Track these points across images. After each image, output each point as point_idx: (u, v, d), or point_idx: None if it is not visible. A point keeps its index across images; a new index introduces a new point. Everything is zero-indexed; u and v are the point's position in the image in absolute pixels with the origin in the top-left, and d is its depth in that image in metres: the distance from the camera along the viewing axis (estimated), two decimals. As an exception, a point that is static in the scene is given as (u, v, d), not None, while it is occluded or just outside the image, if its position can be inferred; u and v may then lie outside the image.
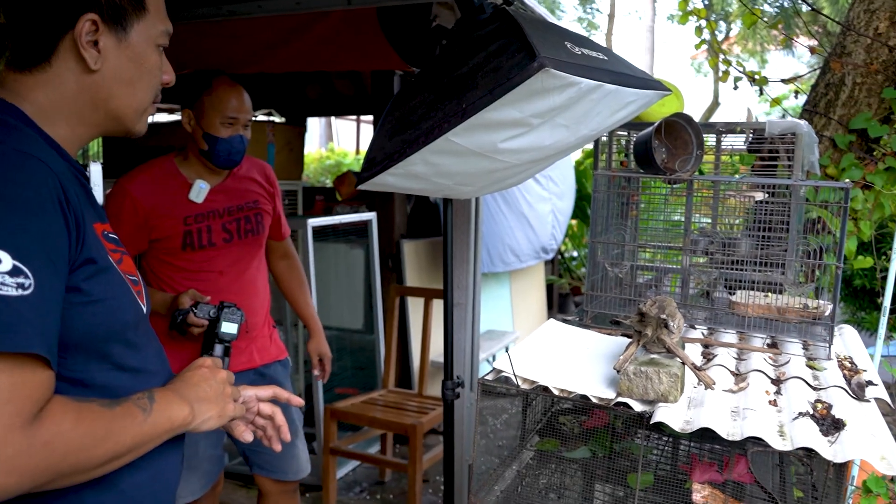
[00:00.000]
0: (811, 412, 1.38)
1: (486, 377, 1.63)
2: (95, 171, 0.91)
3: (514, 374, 1.55)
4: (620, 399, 1.49)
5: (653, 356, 1.53)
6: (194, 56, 3.28)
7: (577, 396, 1.52)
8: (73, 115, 1.00)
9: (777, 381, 1.58)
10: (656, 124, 2.12)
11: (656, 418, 1.40)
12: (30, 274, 0.80)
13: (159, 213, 2.09)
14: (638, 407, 1.47)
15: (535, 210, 4.79)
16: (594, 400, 1.50)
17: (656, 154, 2.09)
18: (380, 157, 1.64)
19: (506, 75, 1.44)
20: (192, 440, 2.13)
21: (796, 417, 1.36)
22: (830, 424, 1.34)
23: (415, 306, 4.23)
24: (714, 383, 1.48)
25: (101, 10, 0.97)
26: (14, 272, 0.79)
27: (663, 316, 1.48)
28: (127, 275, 1.04)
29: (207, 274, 2.15)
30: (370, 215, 3.98)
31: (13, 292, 0.78)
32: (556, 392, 1.54)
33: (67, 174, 0.94)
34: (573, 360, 1.70)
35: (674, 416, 1.41)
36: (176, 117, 5.72)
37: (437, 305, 3.66)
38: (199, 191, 2.14)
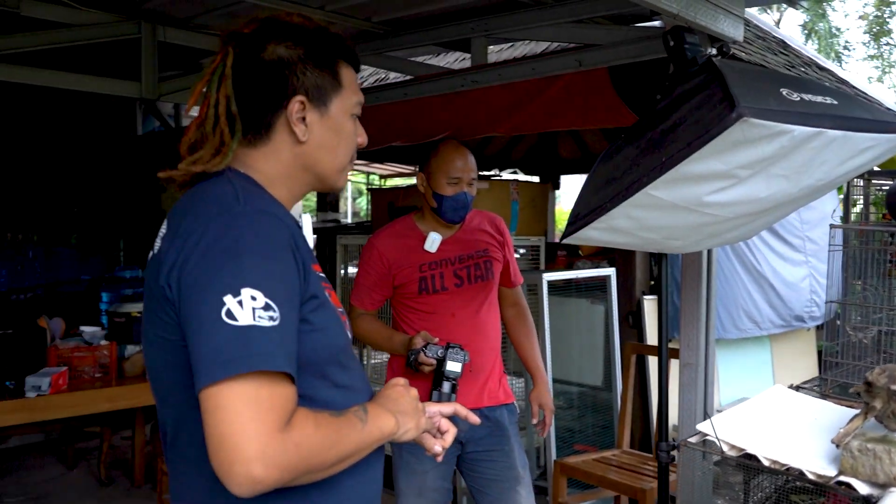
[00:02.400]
0: None
1: (689, 439, 1.56)
2: (307, 221, 1.06)
3: (717, 439, 1.46)
4: (842, 478, 1.33)
5: (887, 433, 1.35)
6: (443, 122, 3.60)
7: (791, 470, 1.39)
8: (289, 178, 1.19)
9: None
10: (911, 171, 1.88)
11: (883, 504, 1.23)
12: (276, 308, 0.96)
13: (400, 262, 2.34)
14: (863, 489, 1.30)
15: (780, 274, 4.35)
16: (810, 476, 1.36)
17: (913, 204, 1.85)
18: (584, 211, 1.68)
19: (705, 127, 1.41)
20: (421, 469, 2.28)
21: None
22: None
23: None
24: (961, 470, 1.26)
25: (307, 92, 1.15)
26: (266, 307, 0.95)
27: (894, 387, 1.30)
28: (336, 307, 1.19)
29: (441, 316, 2.34)
30: (609, 271, 3.95)
31: (267, 323, 0.95)
32: (765, 462, 1.42)
33: (294, 227, 1.14)
34: (794, 430, 1.55)
35: (907, 503, 1.23)
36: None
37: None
38: (433, 242, 2.35)
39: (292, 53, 1.15)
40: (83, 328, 3.44)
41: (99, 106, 5.64)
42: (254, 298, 0.95)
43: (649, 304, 4.14)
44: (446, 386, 2.13)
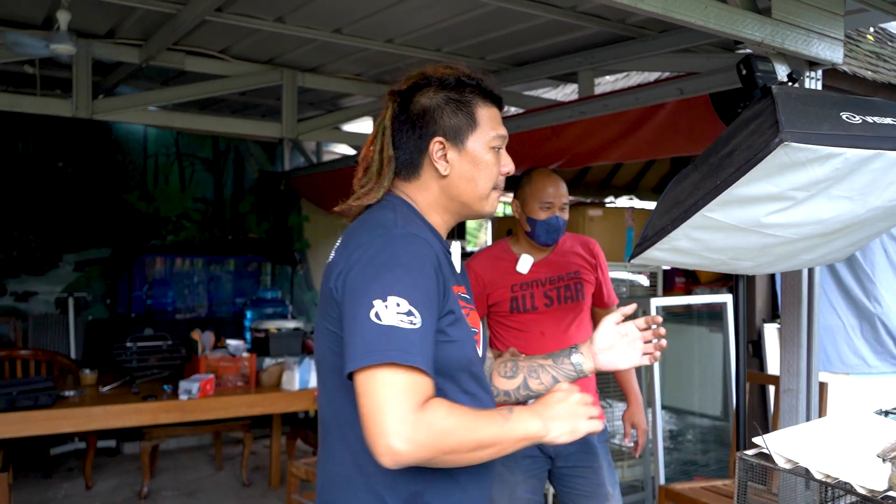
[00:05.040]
0: None
1: (745, 452, 1.61)
2: (455, 247, 1.27)
3: (769, 450, 1.51)
4: (891, 493, 1.35)
5: (940, 451, 1.36)
6: (557, 152, 3.74)
7: (840, 483, 1.42)
8: (440, 207, 1.38)
9: None
10: None
11: (925, 518, 1.25)
12: (417, 315, 1.14)
13: (494, 282, 2.50)
14: (910, 504, 1.31)
15: (891, 309, 4.08)
16: (859, 490, 1.39)
17: None
18: (650, 233, 1.78)
19: (754, 152, 1.49)
20: (512, 479, 2.41)
21: None
22: None
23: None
24: None
25: (445, 133, 1.33)
26: (409, 313, 1.14)
27: (941, 403, 1.31)
28: (471, 327, 1.35)
29: (531, 334, 2.47)
30: (725, 297, 3.89)
31: (408, 326, 1.13)
32: (817, 476, 1.46)
33: (440, 250, 1.32)
34: (856, 448, 1.56)
35: (952, 519, 1.24)
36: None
37: (794, 396, 3.38)
38: (524, 263, 2.49)
39: (432, 101, 1.34)
40: (228, 341, 3.88)
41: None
42: (398, 305, 1.14)
43: (770, 331, 4.02)
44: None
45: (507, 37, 3.37)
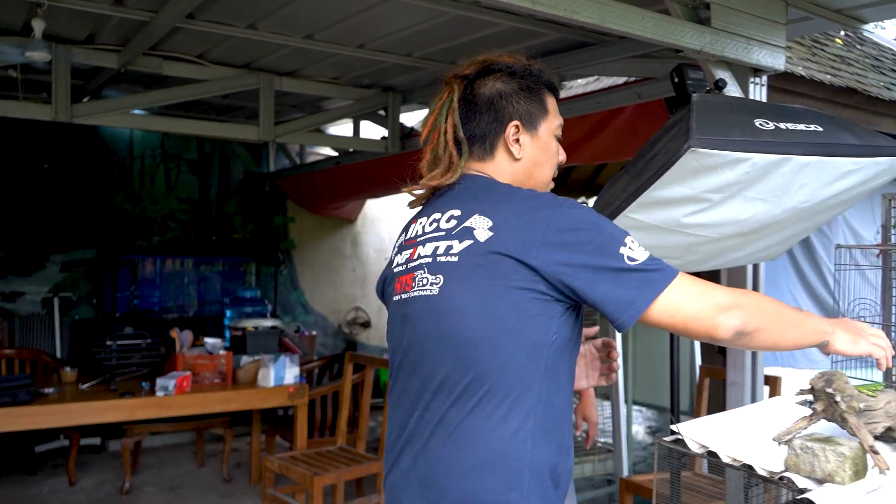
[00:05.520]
0: None
1: (664, 438, 1.70)
2: None
3: (682, 435, 1.60)
4: (786, 474, 1.45)
5: (832, 434, 1.46)
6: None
7: (744, 465, 1.51)
8: None
9: None
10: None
11: (812, 497, 1.35)
12: (641, 246, 1.24)
13: None
14: (801, 483, 1.41)
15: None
16: (759, 471, 1.49)
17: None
18: (584, 233, 1.87)
19: (667, 157, 1.58)
20: None
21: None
22: None
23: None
24: (888, 468, 1.35)
25: (521, 117, 1.36)
26: (640, 244, 1.24)
27: (830, 390, 1.41)
28: None
29: None
30: (691, 295, 3.99)
31: (648, 252, 1.23)
32: (725, 459, 1.55)
33: None
34: (768, 433, 1.66)
35: (837, 499, 1.34)
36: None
37: (753, 390, 3.48)
38: None
39: (507, 86, 1.37)
40: (206, 340, 3.97)
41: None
42: (632, 241, 1.23)
43: (735, 330, 4.12)
44: None
45: (474, 42, 3.46)
